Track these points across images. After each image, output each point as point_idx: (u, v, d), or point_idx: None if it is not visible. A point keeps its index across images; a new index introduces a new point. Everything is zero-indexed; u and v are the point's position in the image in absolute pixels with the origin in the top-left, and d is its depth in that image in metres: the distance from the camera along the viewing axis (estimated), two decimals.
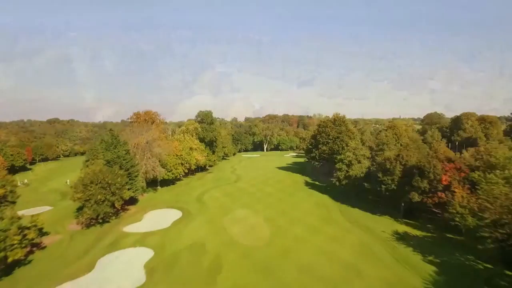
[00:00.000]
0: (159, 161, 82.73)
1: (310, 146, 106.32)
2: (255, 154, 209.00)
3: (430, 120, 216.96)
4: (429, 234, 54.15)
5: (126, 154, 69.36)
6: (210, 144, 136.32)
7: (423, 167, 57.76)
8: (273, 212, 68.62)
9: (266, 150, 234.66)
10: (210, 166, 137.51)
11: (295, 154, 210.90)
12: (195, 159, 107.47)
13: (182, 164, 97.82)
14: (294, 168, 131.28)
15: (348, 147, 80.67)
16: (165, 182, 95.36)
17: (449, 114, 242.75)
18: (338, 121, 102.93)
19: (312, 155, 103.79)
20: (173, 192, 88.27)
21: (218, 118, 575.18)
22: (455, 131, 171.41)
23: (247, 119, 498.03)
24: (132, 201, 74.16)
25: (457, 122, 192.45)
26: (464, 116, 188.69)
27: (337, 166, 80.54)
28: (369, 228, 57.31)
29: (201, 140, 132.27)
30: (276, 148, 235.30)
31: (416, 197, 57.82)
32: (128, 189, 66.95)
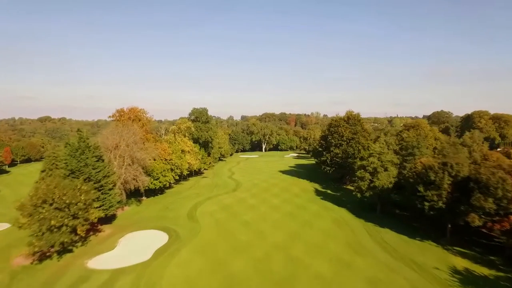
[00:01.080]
0: (143, 168, 67.08)
1: (320, 149, 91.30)
2: (254, 155, 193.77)
3: (437, 119, 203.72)
4: (502, 274, 39.48)
5: (97, 161, 53.69)
6: (205, 145, 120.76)
7: (485, 180, 43.09)
8: (284, 235, 53.57)
9: (265, 150, 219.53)
10: (206, 169, 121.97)
11: (295, 154, 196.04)
12: (188, 163, 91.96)
13: (172, 170, 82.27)
14: (299, 172, 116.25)
15: (369, 151, 65.79)
16: (152, 191, 79.75)
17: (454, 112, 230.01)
18: (352, 120, 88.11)
19: (322, 158, 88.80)
20: (160, 204, 72.67)
21: (214, 116, 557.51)
22: (466, 130, 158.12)
23: (243, 117, 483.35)
24: (107, 218, 58.55)
25: (468, 121, 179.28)
26: (476, 115, 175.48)
27: (358, 174, 65.73)
28: (416, 263, 42.52)
29: (195, 140, 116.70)
30: (275, 148, 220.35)
31: (476, 220, 43.23)
32: (98, 208, 51.41)
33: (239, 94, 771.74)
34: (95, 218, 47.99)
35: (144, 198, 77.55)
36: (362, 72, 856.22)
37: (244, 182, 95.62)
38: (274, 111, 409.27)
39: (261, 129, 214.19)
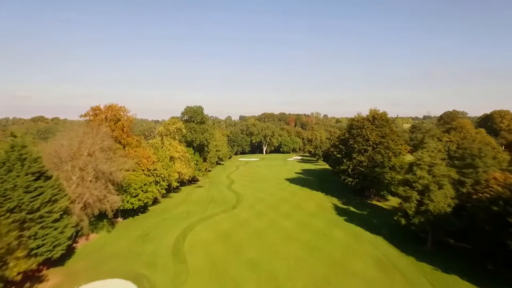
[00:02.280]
0: (113, 183, 49.28)
1: (338, 155, 73.74)
2: (254, 158, 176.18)
3: (450, 119, 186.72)
4: None
5: (36, 180, 35.96)
6: (201, 149, 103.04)
7: None
8: (308, 283, 36.34)
9: (266, 153, 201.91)
10: (201, 176, 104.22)
11: (299, 157, 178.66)
12: (178, 172, 74.26)
13: (157, 182, 64.54)
14: (309, 180, 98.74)
15: (402, 157, 48.52)
16: (131, 210, 61.88)
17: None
18: (379, 120, 70.79)
19: (342, 167, 71.25)
20: (139, 230, 54.86)
21: (211, 116, 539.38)
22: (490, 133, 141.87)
23: (242, 118, 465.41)
24: (57, 259, 40.64)
25: (487, 121, 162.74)
26: (496, 115, 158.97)
27: (401, 192, 48.47)
28: None
29: (189, 144, 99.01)
30: (277, 150, 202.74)
31: None
32: (32, 252, 33.71)
33: (237, 94, 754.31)
34: (20, 271, 30.14)
35: (119, 219, 59.77)
36: (359, 72, 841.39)
37: (245, 195, 77.91)
38: (273, 111, 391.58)
39: (261, 130, 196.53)
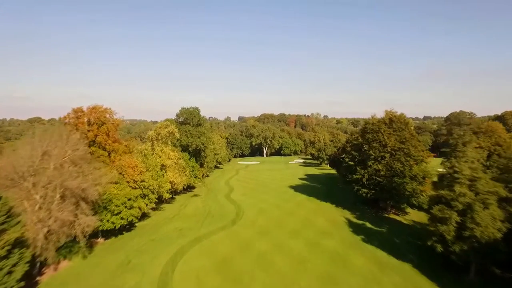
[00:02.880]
0: (87, 202, 40.32)
1: (351, 163, 64.81)
2: (254, 161, 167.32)
3: (457, 120, 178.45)
4: None
5: None
6: (197, 154, 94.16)
7: None
8: None
9: (266, 155, 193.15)
10: (198, 183, 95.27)
11: (301, 160, 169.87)
12: (170, 182, 65.42)
13: (144, 195, 55.57)
14: (315, 188, 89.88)
15: (456, 175, 39.73)
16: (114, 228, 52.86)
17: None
18: (397, 123, 62.03)
19: (356, 176, 62.35)
20: (120, 255, 45.81)
21: (210, 117, 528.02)
22: None
23: (241, 118, 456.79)
24: None
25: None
26: (508, 115, 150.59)
27: (436, 212, 39.61)
28: None
29: (184, 148, 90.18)
30: (278, 152, 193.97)
31: None
32: None
33: (236, 94, 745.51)
34: None
35: (100, 240, 50.87)
36: (358, 73, 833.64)
37: (246, 207, 68.97)
38: (272, 111, 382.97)
39: (261, 131, 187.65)
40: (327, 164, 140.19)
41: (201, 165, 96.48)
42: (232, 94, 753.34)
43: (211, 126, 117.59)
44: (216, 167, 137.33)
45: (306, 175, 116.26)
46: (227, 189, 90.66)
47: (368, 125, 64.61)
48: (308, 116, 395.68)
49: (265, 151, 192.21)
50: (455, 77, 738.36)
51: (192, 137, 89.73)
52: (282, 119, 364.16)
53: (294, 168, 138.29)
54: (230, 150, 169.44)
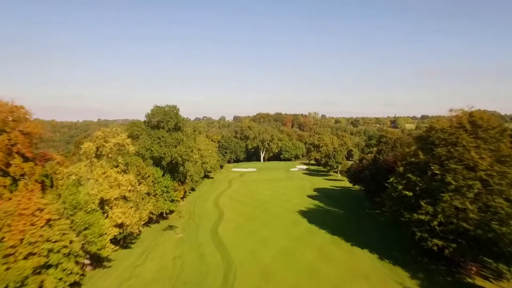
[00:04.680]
0: None
1: (408, 193, 38.95)
2: (250, 168, 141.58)
3: (483, 121, 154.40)
4: None
5: None
6: (174, 168, 68.10)
7: None
8: None
9: (263, 160, 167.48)
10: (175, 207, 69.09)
11: (304, 167, 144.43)
12: (117, 225, 39.30)
13: (49, 266, 29.32)
14: (336, 216, 64.04)
15: None
16: None
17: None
18: (486, 129, 36.88)
19: (420, 217, 36.66)
20: None
21: (204, 117, 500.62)
22: None
23: (236, 118, 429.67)
24: None
25: None
26: None
27: None
28: None
29: (157, 161, 64.18)
30: (277, 157, 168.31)
31: None
32: None
33: (231, 93, 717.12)
34: None
35: None
36: (353, 72, 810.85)
37: (240, 259, 42.96)
38: (268, 111, 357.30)
39: (258, 133, 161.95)
40: (336, 172, 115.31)
41: (181, 182, 70.45)
42: (227, 94, 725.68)
43: (195, 131, 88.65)
44: (206, 176, 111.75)
45: (315, 189, 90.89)
46: (214, 216, 64.68)
47: (436, 132, 39.11)
48: (305, 115, 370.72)
49: (262, 156, 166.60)
50: (453, 75, 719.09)
51: (166, 146, 63.59)
52: (278, 118, 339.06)
53: (298, 178, 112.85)
54: (223, 155, 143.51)
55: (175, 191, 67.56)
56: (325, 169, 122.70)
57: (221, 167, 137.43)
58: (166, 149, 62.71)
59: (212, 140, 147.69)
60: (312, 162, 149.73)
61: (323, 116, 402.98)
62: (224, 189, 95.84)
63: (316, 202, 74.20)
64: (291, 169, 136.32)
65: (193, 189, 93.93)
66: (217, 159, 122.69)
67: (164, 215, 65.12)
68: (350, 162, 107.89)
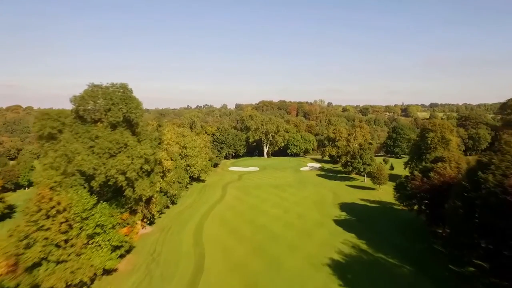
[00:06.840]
0: None
1: None
2: (251, 166, 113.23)
3: None
4: None
5: None
6: (119, 191, 39.51)
7: None
8: None
9: (267, 155, 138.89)
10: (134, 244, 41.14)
11: (317, 165, 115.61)
12: None
13: None
14: (389, 272, 36.07)
15: None
16: None
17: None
18: None
19: None
20: None
21: (206, 105, 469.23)
22: None
23: (237, 106, 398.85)
24: None
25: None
26: None
27: None
28: None
29: (88, 178, 35.68)
30: (283, 151, 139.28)
31: None
32: None
33: (233, 81, 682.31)
34: None
35: None
36: (358, 60, 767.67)
37: None
38: (271, 99, 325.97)
39: (261, 124, 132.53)
40: (360, 174, 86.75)
41: (132, 211, 42.04)
42: (229, 82, 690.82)
43: (160, 126, 50.93)
44: (197, 179, 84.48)
45: (341, 206, 62.45)
46: (187, 270, 36.80)
47: None
48: (311, 103, 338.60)
49: (266, 150, 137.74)
50: (462, 64, 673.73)
51: (99, 156, 34.97)
52: (282, 106, 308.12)
53: (312, 183, 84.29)
54: (218, 150, 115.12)
55: (125, 226, 39.54)
56: (345, 170, 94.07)
57: (216, 165, 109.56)
58: (98, 161, 34.14)
59: (206, 133, 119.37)
60: (326, 158, 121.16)
61: (329, 103, 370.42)
62: (215, 201, 68.08)
63: (352, 238, 45.61)
64: (301, 169, 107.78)
65: (173, 202, 66.48)
66: (209, 157, 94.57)
67: (112, 270, 37.16)
68: (386, 166, 78.95)
